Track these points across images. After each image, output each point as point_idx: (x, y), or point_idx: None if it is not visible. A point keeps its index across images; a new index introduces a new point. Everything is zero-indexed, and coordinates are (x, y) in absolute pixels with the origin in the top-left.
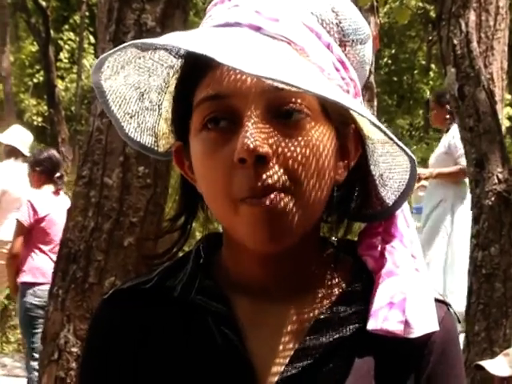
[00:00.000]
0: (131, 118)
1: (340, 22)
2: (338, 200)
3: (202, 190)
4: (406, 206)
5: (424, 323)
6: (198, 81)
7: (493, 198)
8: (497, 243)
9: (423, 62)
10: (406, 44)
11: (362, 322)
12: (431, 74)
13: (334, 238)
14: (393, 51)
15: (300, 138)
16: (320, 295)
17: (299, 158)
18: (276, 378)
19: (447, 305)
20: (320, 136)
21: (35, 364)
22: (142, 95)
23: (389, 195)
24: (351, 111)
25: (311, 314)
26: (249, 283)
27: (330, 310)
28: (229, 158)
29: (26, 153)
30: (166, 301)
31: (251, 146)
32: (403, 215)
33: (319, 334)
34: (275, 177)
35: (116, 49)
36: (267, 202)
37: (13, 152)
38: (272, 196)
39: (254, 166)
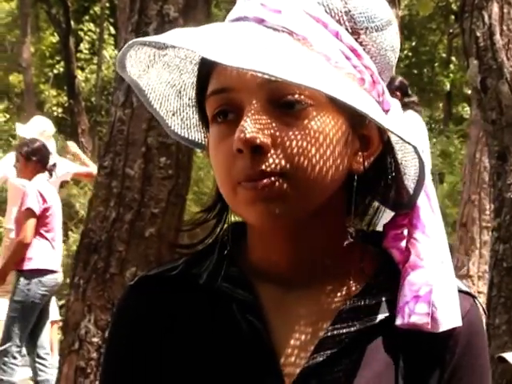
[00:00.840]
0: (173, 115)
1: (349, 11)
2: (366, 188)
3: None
4: (433, 195)
5: (449, 317)
6: (207, 76)
7: None
8: None
9: (444, 55)
10: (426, 37)
11: (387, 313)
12: (451, 66)
13: (356, 228)
14: (413, 44)
15: (301, 127)
16: (345, 285)
17: (299, 146)
18: (300, 366)
19: (473, 296)
20: (323, 125)
21: (14, 350)
22: (180, 92)
23: (410, 183)
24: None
25: (336, 304)
26: (273, 271)
27: (355, 300)
28: (231, 148)
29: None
30: (191, 288)
31: (245, 137)
32: (429, 204)
33: (344, 324)
34: (273, 165)
35: (124, 49)
36: (261, 185)
37: None
38: (265, 180)
39: (251, 156)
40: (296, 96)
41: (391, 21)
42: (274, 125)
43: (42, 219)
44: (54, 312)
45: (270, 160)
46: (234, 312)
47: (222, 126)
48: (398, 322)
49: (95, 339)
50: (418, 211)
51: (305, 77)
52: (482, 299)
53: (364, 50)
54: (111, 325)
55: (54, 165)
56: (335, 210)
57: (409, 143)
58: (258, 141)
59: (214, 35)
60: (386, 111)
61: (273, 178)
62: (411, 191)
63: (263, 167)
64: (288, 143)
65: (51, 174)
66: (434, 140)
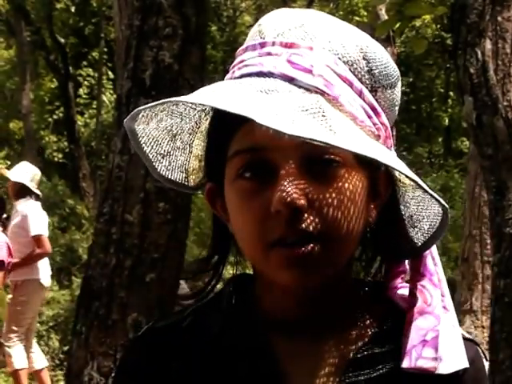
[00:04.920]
0: (163, 157)
1: (371, 69)
2: (370, 239)
3: (235, 232)
4: (435, 246)
5: (455, 360)
6: (232, 132)
7: None
8: None
9: (441, 90)
10: (423, 72)
11: (395, 361)
12: (449, 101)
13: (366, 276)
14: (411, 80)
15: (335, 187)
16: (355, 334)
17: (334, 207)
18: None
19: (476, 343)
20: (353, 183)
21: None
22: (174, 136)
23: (418, 236)
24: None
25: (347, 353)
26: (284, 322)
27: (365, 349)
28: (264, 208)
29: (38, 191)
30: (199, 341)
31: (288, 199)
32: (431, 254)
33: (355, 372)
34: (310, 227)
35: (154, 104)
36: (297, 251)
37: (23, 191)
38: (303, 248)
39: (289, 217)
40: (331, 156)
41: (399, 76)
42: (310, 186)
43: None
44: (42, 359)
45: (308, 221)
46: (246, 363)
47: (250, 183)
48: (405, 364)
49: None
50: (425, 261)
51: (349, 142)
52: (485, 334)
53: (379, 106)
54: (114, 378)
55: (8, 218)
56: (348, 264)
57: (443, 205)
58: (298, 203)
59: (259, 99)
60: None
61: (311, 245)
62: (418, 242)
63: (302, 229)
64: (324, 204)
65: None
66: (434, 175)
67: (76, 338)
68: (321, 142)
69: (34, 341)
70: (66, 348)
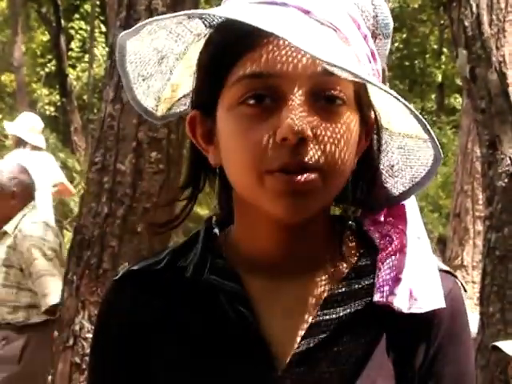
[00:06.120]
0: (144, 80)
1: (376, 16)
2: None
3: (225, 161)
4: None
5: (431, 299)
6: (235, 57)
7: (506, 180)
8: (510, 224)
9: (435, 46)
10: (417, 28)
11: (371, 296)
12: (443, 57)
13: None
14: (404, 35)
15: (337, 124)
16: (331, 271)
17: (335, 142)
18: (291, 353)
19: (454, 275)
20: (352, 123)
21: None
22: (162, 59)
23: (397, 186)
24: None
25: (323, 290)
26: (261, 260)
27: (341, 285)
28: (267, 135)
29: (35, 142)
30: (177, 281)
31: (296, 128)
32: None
33: (332, 309)
34: (313, 159)
35: (169, 15)
36: (298, 180)
37: (21, 142)
38: (305, 175)
39: (295, 145)
40: (338, 92)
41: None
42: (315, 117)
43: None
44: None
45: (311, 152)
46: (222, 303)
47: (252, 109)
48: (376, 298)
49: (89, 335)
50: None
51: (364, 74)
52: (475, 289)
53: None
54: (96, 320)
55: None
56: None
57: (438, 152)
58: (306, 133)
59: (283, 22)
60: None
61: (312, 175)
62: (396, 192)
63: (305, 159)
64: (327, 138)
65: None
66: None
67: (67, 286)
68: (354, 74)
69: None
70: None
